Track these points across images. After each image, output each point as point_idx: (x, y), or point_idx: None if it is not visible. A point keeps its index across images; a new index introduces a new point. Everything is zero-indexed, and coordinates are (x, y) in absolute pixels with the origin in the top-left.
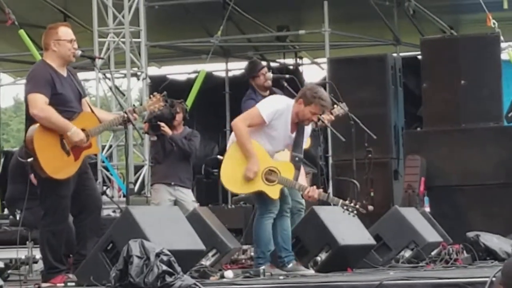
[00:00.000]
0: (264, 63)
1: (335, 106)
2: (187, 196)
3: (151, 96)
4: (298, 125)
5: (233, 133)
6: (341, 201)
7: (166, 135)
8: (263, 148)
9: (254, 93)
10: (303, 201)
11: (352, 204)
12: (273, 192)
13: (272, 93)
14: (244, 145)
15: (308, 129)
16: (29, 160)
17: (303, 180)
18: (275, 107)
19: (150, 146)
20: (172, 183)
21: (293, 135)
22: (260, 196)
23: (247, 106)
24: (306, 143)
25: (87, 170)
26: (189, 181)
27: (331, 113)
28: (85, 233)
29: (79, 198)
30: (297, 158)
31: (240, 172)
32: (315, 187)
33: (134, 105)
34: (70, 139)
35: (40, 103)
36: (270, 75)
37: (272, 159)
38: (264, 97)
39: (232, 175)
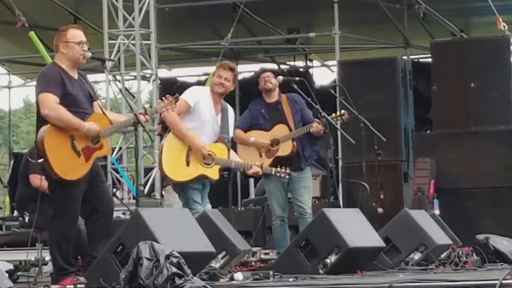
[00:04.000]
0: (271, 65)
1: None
2: None
3: (163, 98)
4: (221, 108)
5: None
6: (273, 169)
7: None
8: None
9: (257, 98)
10: (304, 206)
11: (283, 170)
12: (213, 173)
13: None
14: (178, 129)
15: (231, 113)
16: (40, 161)
17: (236, 158)
18: (196, 90)
19: None
20: None
21: (219, 118)
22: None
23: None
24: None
25: (99, 172)
26: None
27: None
28: (96, 235)
29: (91, 200)
30: (226, 140)
31: (180, 160)
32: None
33: (144, 108)
34: (87, 135)
35: (51, 103)
36: (280, 78)
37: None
38: (269, 103)
39: (173, 165)
